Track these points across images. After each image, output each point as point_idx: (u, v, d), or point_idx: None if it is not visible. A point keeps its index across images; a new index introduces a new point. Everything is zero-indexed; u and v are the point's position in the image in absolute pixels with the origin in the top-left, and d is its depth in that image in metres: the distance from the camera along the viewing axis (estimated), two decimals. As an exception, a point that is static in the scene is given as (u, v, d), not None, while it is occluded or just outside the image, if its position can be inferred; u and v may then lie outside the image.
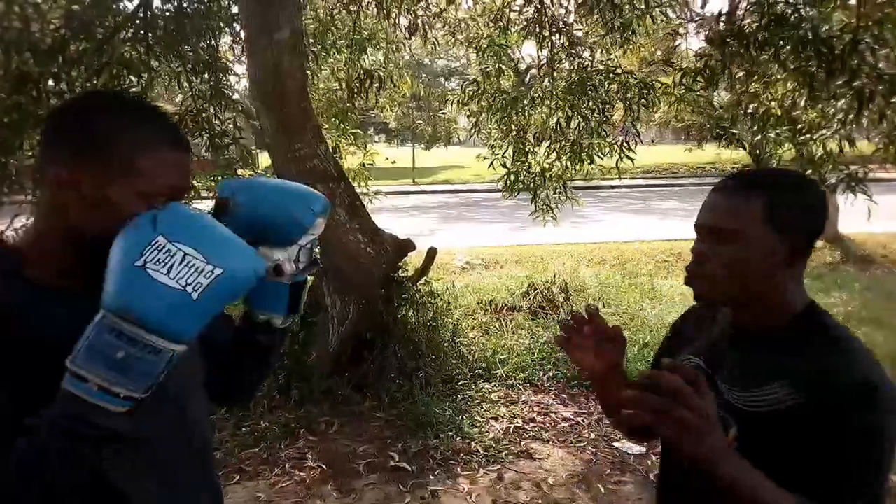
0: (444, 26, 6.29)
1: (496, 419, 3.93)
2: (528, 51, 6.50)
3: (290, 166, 3.94)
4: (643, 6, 5.08)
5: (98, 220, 0.88)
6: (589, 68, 5.43)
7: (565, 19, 5.59)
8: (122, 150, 0.89)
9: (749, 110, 4.70)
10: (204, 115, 4.99)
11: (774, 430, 1.01)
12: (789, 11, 3.66)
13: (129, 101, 1.01)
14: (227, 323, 1.22)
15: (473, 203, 15.97)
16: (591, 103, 5.35)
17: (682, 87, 4.63)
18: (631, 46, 5.59)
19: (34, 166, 4.08)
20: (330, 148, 4.43)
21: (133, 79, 4.44)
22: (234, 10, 4.99)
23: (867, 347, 1.06)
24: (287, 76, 3.81)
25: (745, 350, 1.12)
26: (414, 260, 4.64)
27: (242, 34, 4.53)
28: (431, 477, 3.31)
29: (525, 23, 5.56)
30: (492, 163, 5.58)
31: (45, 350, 0.80)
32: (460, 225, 12.45)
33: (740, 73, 4.36)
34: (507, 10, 5.68)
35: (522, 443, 3.66)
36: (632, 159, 5.36)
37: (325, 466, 3.40)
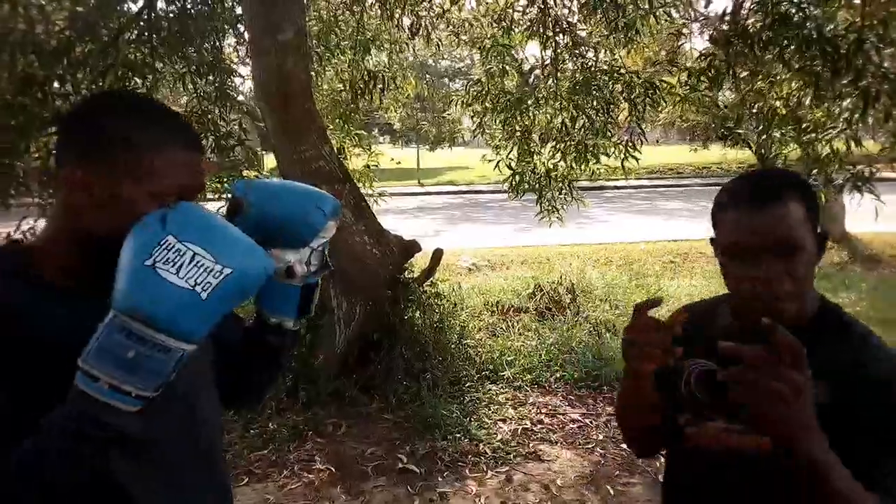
0: (447, 27, 6.30)
1: (504, 421, 3.93)
2: (532, 51, 6.50)
3: (295, 167, 3.95)
4: (647, 6, 5.07)
5: (109, 221, 0.88)
6: (593, 68, 5.42)
7: (569, 19, 5.59)
8: (133, 151, 0.90)
9: (754, 110, 4.70)
10: (209, 116, 5.01)
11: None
12: (794, 10, 3.65)
13: (141, 102, 1.01)
14: (237, 323, 1.22)
15: (479, 204, 15.97)
16: (595, 103, 5.34)
17: (687, 87, 4.62)
18: (635, 46, 5.58)
19: (41, 168, 4.09)
20: (335, 149, 4.43)
21: (138, 80, 4.45)
22: (238, 11, 5.01)
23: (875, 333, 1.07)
24: (291, 77, 3.81)
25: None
26: (420, 261, 4.64)
27: (246, 35, 4.54)
28: (440, 479, 3.31)
29: (528, 23, 5.56)
30: (497, 164, 5.57)
31: (45, 350, 0.80)
32: (466, 226, 12.45)
33: (745, 73, 4.35)
34: (511, 11, 5.68)
35: (530, 444, 3.65)
36: (637, 159, 5.35)
37: (333, 468, 3.40)
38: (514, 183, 5.53)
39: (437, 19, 6.07)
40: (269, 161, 5.58)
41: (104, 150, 0.89)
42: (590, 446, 3.63)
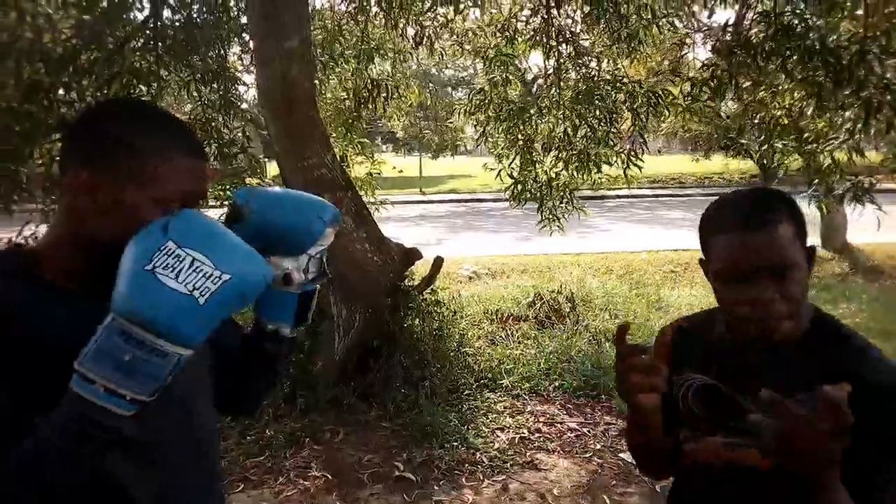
0: (451, 36, 6.33)
1: (501, 429, 3.92)
2: (535, 61, 6.53)
3: (297, 175, 3.96)
4: (650, 16, 5.09)
5: (113, 226, 0.89)
6: (596, 78, 5.44)
7: (572, 29, 5.62)
8: (137, 157, 0.91)
9: (756, 120, 4.71)
10: (213, 124, 5.04)
11: None
12: (796, 21, 3.67)
13: (145, 109, 1.03)
14: (235, 330, 1.23)
15: (480, 212, 15.99)
16: (598, 113, 5.36)
17: (689, 98, 4.64)
18: (638, 56, 5.61)
19: (44, 175, 4.12)
20: (337, 157, 4.45)
21: (143, 88, 4.48)
22: (243, 20, 5.04)
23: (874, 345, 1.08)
24: (295, 85, 3.84)
25: (763, 361, 1.10)
26: (420, 269, 4.64)
27: (251, 44, 4.57)
28: (436, 487, 3.30)
29: (532, 33, 5.59)
30: (499, 173, 5.59)
31: (46, 350, 0.81)
32: (467, 234, 12.46)
33: (747, 83, 4.36)
34: (514, 21, 5.71)
35: (528, 453, 3.64)
36: (639, 167, 5.36)
37: (329, 476, 3.40)
38: (515, 192, 5.54)
39: (440, 29, 6.11)
40: (272, 168, 5.60)
41: (108, 156, 0.91)
42: (587, 455, 3.62)
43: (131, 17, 4.83)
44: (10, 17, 3.98)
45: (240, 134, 5.27)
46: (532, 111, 5.56)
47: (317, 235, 1.06)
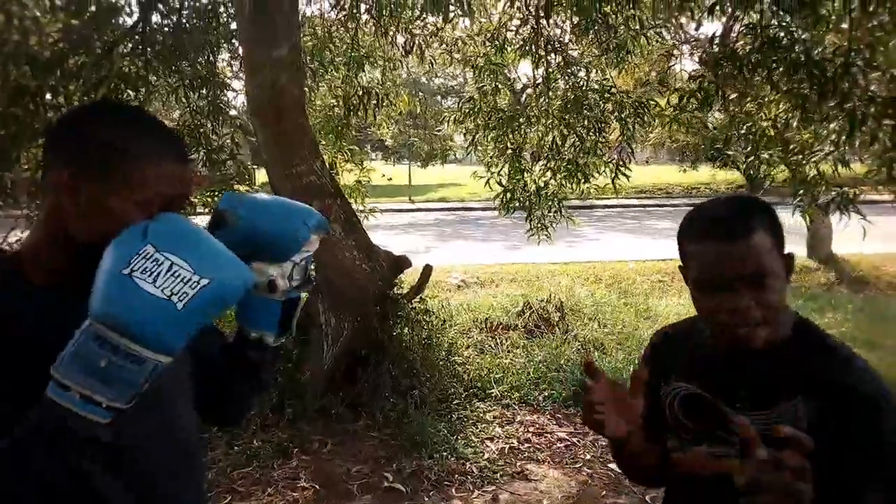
0: (440, 45, 6.34)
1: (491, 439, 3.90)
2: (524, 70, 6.56)
3: (286, 182, 3.95)
4: (638, 27, 5.14)
5: (95, 228, 0.89)
6: (584, 88, 5.48)
7: (561, 39, 5.65)
8: (120, 159, 0.90)
9: (742, 131, 4.74)
10: (201, 130, 5.01)
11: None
12: (782, 34, 3.71)
13: (129, 111, 1.02)
14: (217, 336, 1.21)
15: (469, 221, 16.00)
16: (586, 122, 5.39)
17: (677, 109, 4.67)
18: (626, 67, 5.65)
19: (30, 179, 4.07)
20: (326, 164, 4.44)
21: (131, 93, 4.46)
22: (233, 26, 5.03)
23: (857, 354, 1.08)
24: (285, 93, 3.83)
25: (747, 369, 1.11)
26: (409, 277, 4.63)
27: (241, 50, 4.56)
28: (426, 498, 3.28)
29: (521, 42, 5.62)
30: (487, 181, 5.60)
31: (26, 350, 0.80)
32: (456, 242, 12.46)
33: (734, 95, 4.40)
34: (504, 30, 5.74)
35: (517, 463, 3.63)
36: (627, 177, 5.39)
37: (318, 486, 3.36)
38: (504, 200, 5.55)
39: (430, 37, 6.12)
40: (261, 175, 5.58)
41: (91, 157, 0.90)
42: (577, 465, 3.61)
43: (120, 21, 4.80)
44: (-2, 21, 3.95)
45: (228, 141, 5.24)
46: (521, 120, 5.58)
47: (301, 242, 1.05)
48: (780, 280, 1.06)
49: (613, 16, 5.06)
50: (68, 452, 0.76)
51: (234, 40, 5.21)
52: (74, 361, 0.74)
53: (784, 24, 3.74)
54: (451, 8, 4.27)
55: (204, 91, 5.11)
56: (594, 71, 5.64)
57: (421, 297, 4.65)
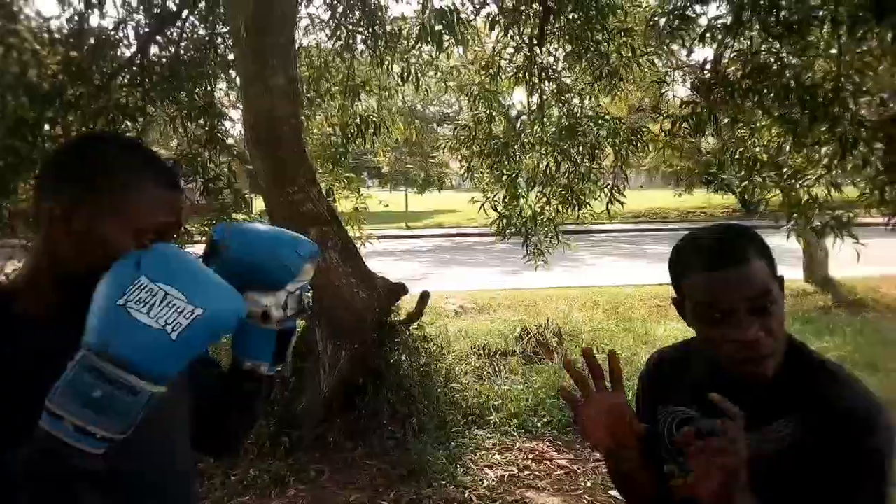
0: (436, 73, 6.42)
1: (490, 467, 3.86)
2: (519, 97, 6.63)
3: (283, 210, 3.96)
4: (630, 55, 5.21)
5: (88, 257, 0.89)
6: (578, 114, 5.54)
7: (554, 67, 5.73)
8: (112, 189, 0.92)
9: (736, 156, 4.78)
10: (199, 159, 5.04)
11: (783, 467, 1.01)
12: (772, 60, 3.76)
13: (120, 142, 1.05)
14: (212, 367, 1.21)
15: (466, 247, 16.02)
16: (580, 148, 5.44)
17: (670, 134, 4.72)
18: (619, 93, 5.72)
19: (27, 210, 4.09)
20: (323, 192, 4.46)
21: (129, 123, 4.49)
22: (230, 56, 5.09)
23: (849, 371, 1.09)
24: (282, 122, 3.86)
25: (737, 392, 1.11)
26: (406, 304, 4.62)
27: (238, 80, 4.61)
28: (424, 527, 3.23)
29: (515, 70, 5.69)
30: (482, 206, 5.63)
31: (28, 382, 0.80)
32: (453, 269, 12.46)
33: (726, 120, 4.45)
34: (498, 58, 5.81)
35: (517, 491, 3.59)
36: (622, 203, 5.42)
37: (314, 516, 3.32)
38: (500, 226, 5.57)
39: (426, 66, 6.20)
40: (258, 203, 5.60)
41: (83, 188, 0.91)
42: (577, 493, 3.57)
43: (118, 53, 4.86)
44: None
45: (225, 169, 5.27)
46: (516, 147, 5.63)
47: (295, 271, 1.05)
48: (781, 307, 1.06)
49: (606, 43, 5.14)
50: (59, 486, 0.76)
51: (231, 70, 5.27)
52: (68, 392, 0.74)
53: (774, 50, 3.80)
54: (446, 37, 4.34)
55: (202, 121, 5.16)
56: (588, 98, 5.71)
57: (419, 324, 4.63)
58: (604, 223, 5.79)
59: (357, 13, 5.61)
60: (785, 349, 1.11)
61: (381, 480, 3.66)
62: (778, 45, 3.74)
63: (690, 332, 1.19)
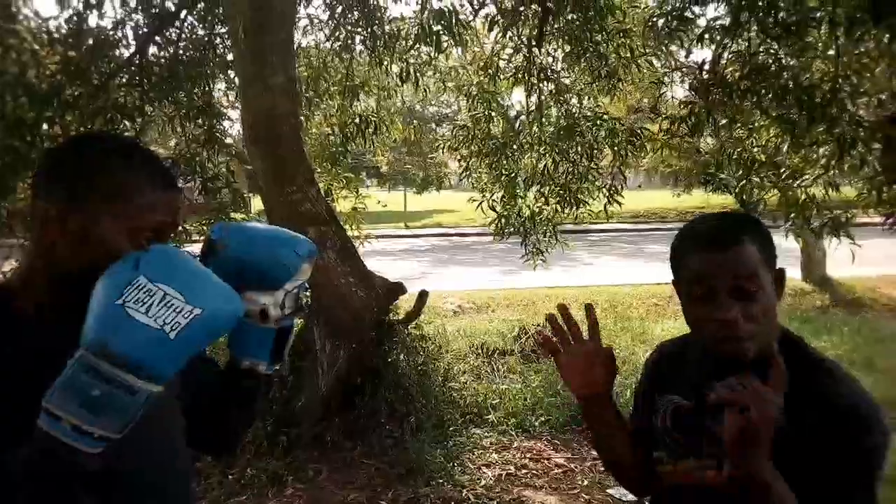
0: (434, 74, 6.42)
1: (488, 466, 3.87)
2: (517, 97, 6.64)
3: (282, 210, 3.96)
4: (628, 55, 5.22)
5: (84, 256, 0.90)
6: (577, 115, 5.54)
7: (553, 67, 5.73)
8: (109, 188, 0.92)
9: (734, 156, 4.79)
10: (197, 159, 5.04)
11: (778, 462, 1.01)
12: (770, 61, 3.77)
13: (118, 141, 1.05)
14: (210, 366, 1.21)
15: (465, 246, 16.03)
16: (579, 149, 5.44)
17: (668, 134, 4.72)
18: (618, 94, 5.73)
19: (25, 209, 4.09)
20: (322, 191, 4.46)
21: (127, 123, 4.49)
22: (229, 56, 5.09)
23: (845, 369, 1.09)
24: (280, 121, 3.86)
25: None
26: (405, 303, 4.63)
27: (237, 80, 4.61)
28: (422, 526, 3.24)
29: (514, 70, 5.69)
30: (479, 205, 5.63)
31: (25, 382, 0.80)
32: (452, 268, 12.46)
33: (724, 121, 4.46)
34: (497, 59, 5.82)
35: (515, 490, 3.60)
36: (619, 203, 5.43)
37: (312, 515, 3.32)
38: (499, 226, 5.58)
39: (424, 66, 6.20)
40: (257, 203, 5.60)
41: (80, 187, 0.91)
42: (574, 491, 3.58)
43: (117, 53, 4.86)
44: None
45: (224, 169, 5.27)
46: (514, 147, 5.64)
47: (293, 270, 1.06)
48: (769, 295, 1.07)
49: (604, 44, 5.15)
50: (57, 485, 0.76)
51: (230, 70, 5.27)
52: (66, 391, 0.74)
53: (772, 51, 3.81)
54: (444, 38, 4.34)
55: (200, 120, 5.16)
56: (586, 98, 5.72)
57: (417, 323, 4.64)
58: (602, 223, 5.80)
59: (356, 13, 5.61)
60: (779, 340, 1.11)
61: (379, 479, 3.67)
62: (776, 46, 3.75)
63: (685, 331, 1.21)
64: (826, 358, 1.12)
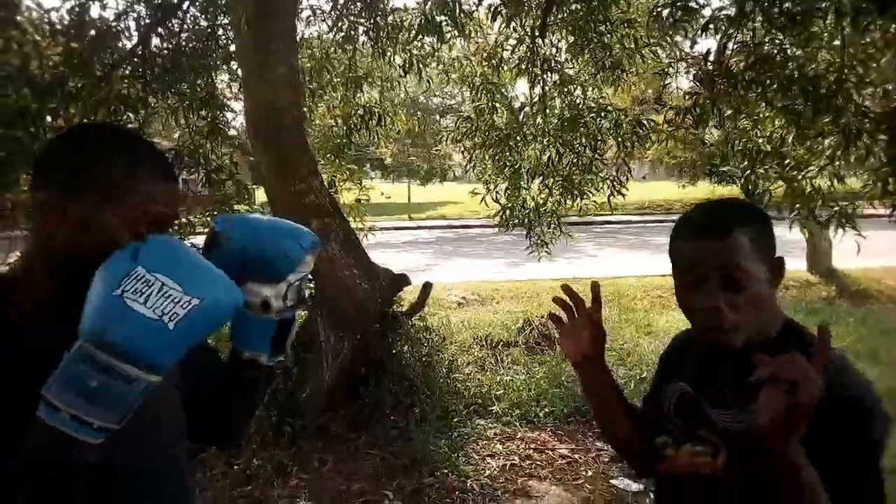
0: (438, 65, 6.40)
1: (492, 456, 3.88)
2: (521, 89, 6.62)
3: (285, 202, 3.97)
4: (633, 46, 5.19)
5: (83, 246, 0.90)
6: (581, 106, 5.52)
7: (557, 58, 5.70)
8: (109, 179, 0.92)
9: (739, 147, 4.76)
10: (200, 150, 5.04)
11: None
12: (775, 51, 3.75)
13: (117, 131, 1.05)
14: (212, 356, 1.21)
15: (469, 238, 16.02)
16: (583, 140, 5.42)
17: (673, 126, 4.70)
18: (622, 85, 5.70)
19: (27, 200, 4.10)
20: (325, 183, 4.46)
21: (131, 115, 4.49)
22: (232, 48, 5.08)
23: (849, 359, 1.09)
24: (284, 113, 3.86)
25: (733, 371, 1.11)
26: (409, 295, 4.63)
27: (240, 72, 4.60)
28: (426, 516, 3.25)
29: (518, 61, 5.67)
30: (483, 198, 5.62)
31: (25, 373, 0.80)
32: (456, 260, 12.46)
33: (729, 112, 4.43)
34: (500, 50, 5.79)
35: (519, 481, 3.61)
36: (623, 195, 5.41)
37: (317, 506, 3.34)
38: (503, 217, 5.57)
39: (428, 57, 6.18)
40: (260, 195, 5.60)
41: (80, 178, 0.91)
42: (578, 482, 3.59)
43: (120, 44, 4.85)
44: (-1, 45, 4.00)
45: (227, 160, 5.27)
46: (518, 138, 5.62)
47: (295, 262, 1.06)
48: (759, 283, 1.07)
49: (609, 35, 5.12)
50: (58, 475, 0.76)
51: (233, 62, 5.26)
52: (65, 382, 0.75)
53: (777, 41, 3.78)
54: (448, 29, 4.32)
55: (203, 112, 5.15)
56: (590, 89, 5.69)
57: (421, 315, 4.65)
58: (607, 214, 5.78)
59: (358, 4, 5.59)
60: (779, 328, 1.11)
61: (383, 470, 3.69)
62: (781, 37, 3.72)
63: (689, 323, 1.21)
64: (832, 351, 1.12)
